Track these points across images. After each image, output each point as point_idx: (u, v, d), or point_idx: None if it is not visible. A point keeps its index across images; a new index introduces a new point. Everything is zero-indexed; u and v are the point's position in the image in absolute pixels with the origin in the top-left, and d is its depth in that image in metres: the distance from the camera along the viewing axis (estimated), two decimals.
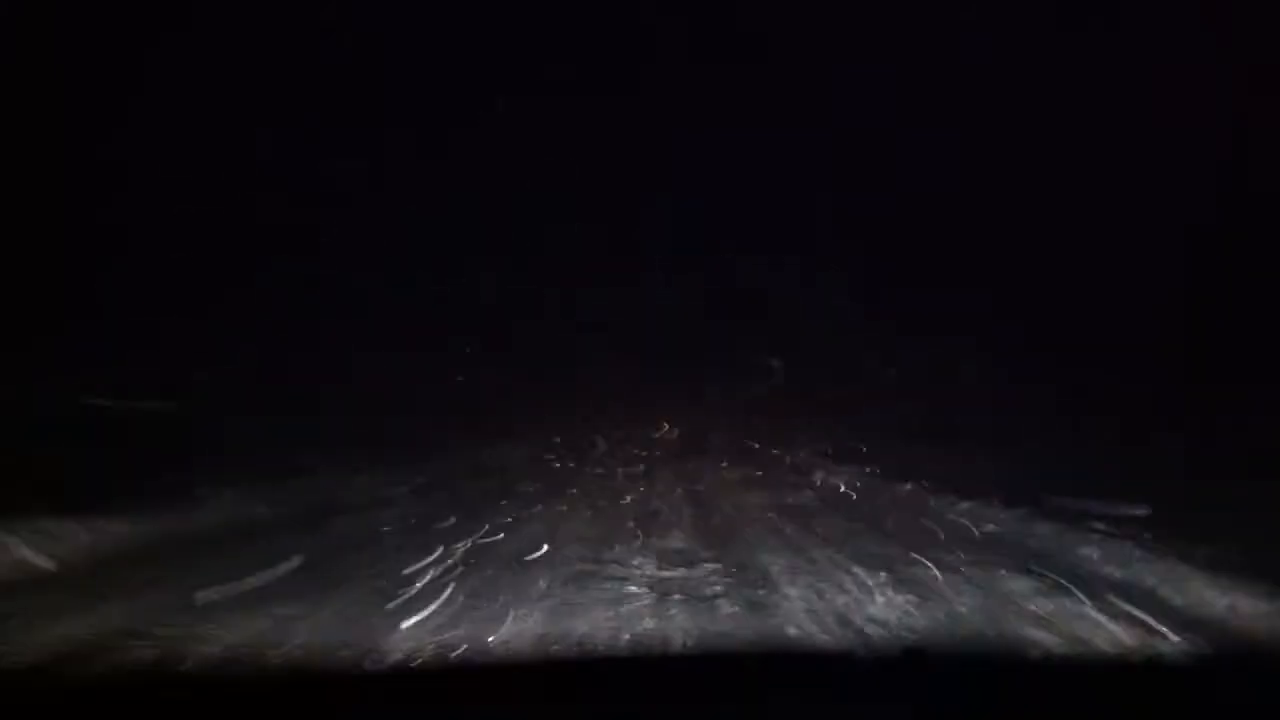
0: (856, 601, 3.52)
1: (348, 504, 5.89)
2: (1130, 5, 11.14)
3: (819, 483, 7.88)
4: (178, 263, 10.72)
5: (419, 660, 2.59)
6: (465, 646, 2.89)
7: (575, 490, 6.91)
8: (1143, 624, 3.17)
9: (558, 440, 13.38)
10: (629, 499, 6.55)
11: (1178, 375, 8.90)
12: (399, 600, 3.43)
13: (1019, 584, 3.76)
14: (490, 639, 2.98)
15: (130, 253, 10.38)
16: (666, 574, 3.97)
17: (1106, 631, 3.10)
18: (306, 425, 9.05)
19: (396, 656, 2.70)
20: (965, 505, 5.80)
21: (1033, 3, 12.58)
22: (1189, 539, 4.15)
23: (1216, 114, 9.86)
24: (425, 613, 3.30)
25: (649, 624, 3.19)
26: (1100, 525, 4.66)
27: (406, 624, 3.10)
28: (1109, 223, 10.93)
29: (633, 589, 3.69)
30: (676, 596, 3.58)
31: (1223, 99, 9.80)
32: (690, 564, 4.23)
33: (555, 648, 2.86)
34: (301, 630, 3.00)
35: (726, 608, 3.44)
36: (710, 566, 4.13)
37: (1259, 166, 9.33)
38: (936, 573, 3.99)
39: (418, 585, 3.69)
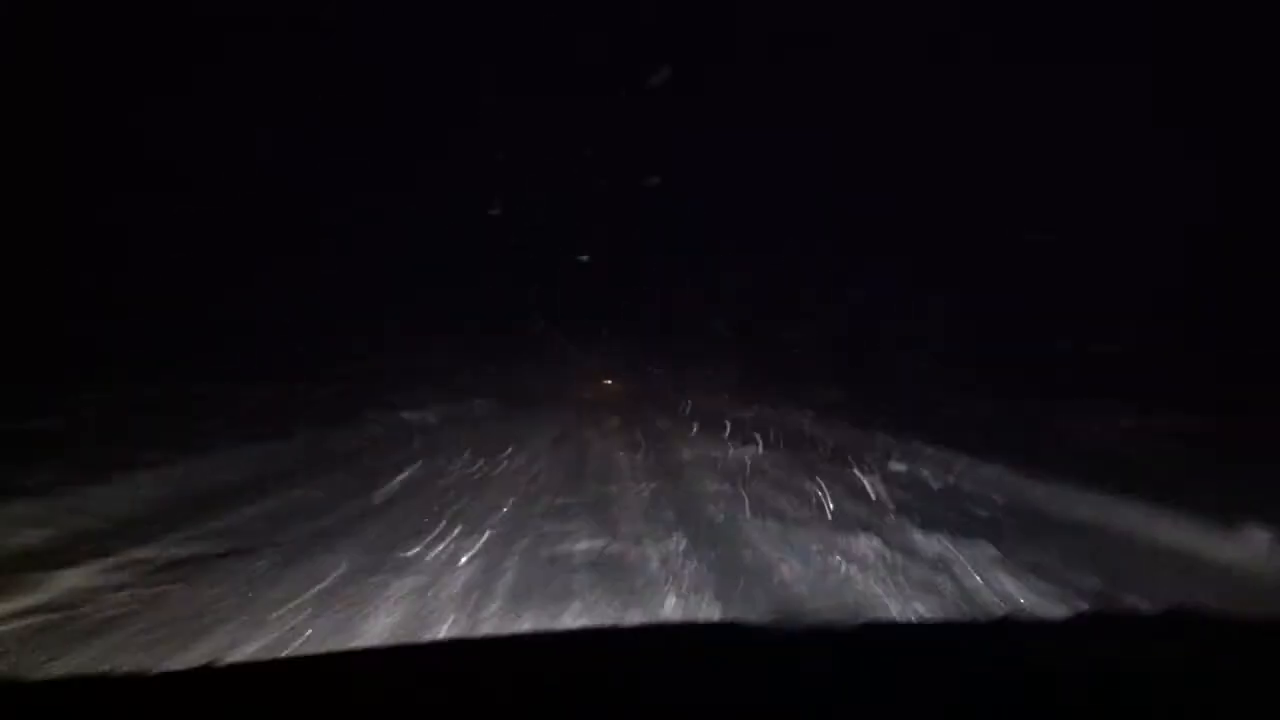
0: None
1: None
2: (1129, 5, 11.15)
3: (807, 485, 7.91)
4: (178, 263, 10.74)
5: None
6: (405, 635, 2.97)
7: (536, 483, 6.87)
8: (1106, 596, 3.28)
9: (546, 437, 13.38)
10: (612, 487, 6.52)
11: (1177, 374, 8.90)
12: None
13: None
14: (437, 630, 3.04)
15: (130, 253, 10.40)
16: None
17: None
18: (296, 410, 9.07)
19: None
20: (947, 507, 5.82)
21: (1033, 2, 12.59)
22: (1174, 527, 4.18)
23: (1216, 114, 9.87)
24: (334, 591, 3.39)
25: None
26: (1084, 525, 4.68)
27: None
28: (1109, 223, 10.94)
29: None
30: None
31: (1223, 99, 9.81)
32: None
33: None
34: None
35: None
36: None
37: (1259, 167, 9.34)
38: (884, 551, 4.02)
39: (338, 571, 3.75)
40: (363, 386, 11.67)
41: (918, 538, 4.28)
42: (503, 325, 21.69)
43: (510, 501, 5.37)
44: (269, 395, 9.75)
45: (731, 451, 7.97)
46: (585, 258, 22.66)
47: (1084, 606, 3.29)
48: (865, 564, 3.82)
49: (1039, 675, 1.13)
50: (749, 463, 7.15)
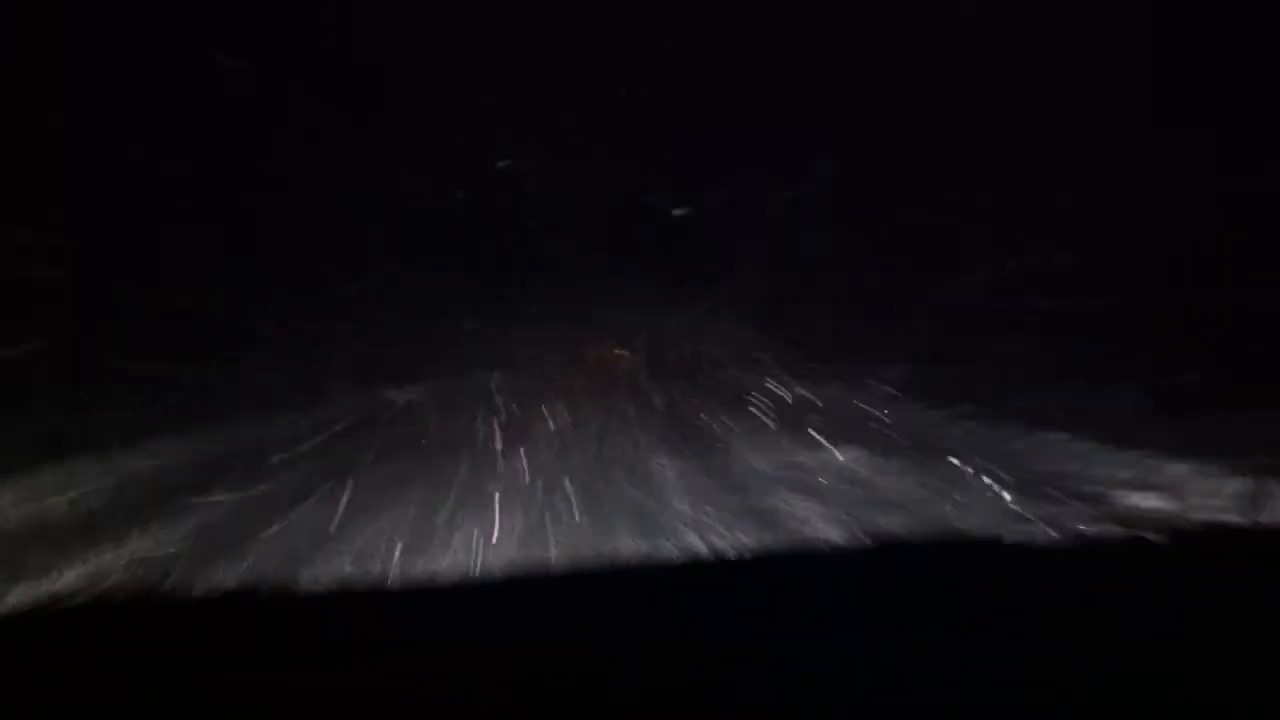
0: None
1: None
2: (1129, 5, 11.18)
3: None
4: (178, 263, 10.75)
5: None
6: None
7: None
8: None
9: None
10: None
11: (1176, 375, 8.93)
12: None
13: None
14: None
15: (130, 252, 10.42)
16: None
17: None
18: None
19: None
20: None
21: (1033, 2, 12.61)
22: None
23: (1216, 114, 9.90)
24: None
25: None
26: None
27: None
28: (1109, 223, 10.97)
29: None
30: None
31: (1223, 99, 9.83)
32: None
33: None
34: None
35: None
36: None
37: (1259, 167, 9.36)
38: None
39: None
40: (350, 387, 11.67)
41: None
42: (502, 325, 21.71)
43: None
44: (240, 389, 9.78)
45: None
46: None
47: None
48: None
49: (1039, 675, 1.13)
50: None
